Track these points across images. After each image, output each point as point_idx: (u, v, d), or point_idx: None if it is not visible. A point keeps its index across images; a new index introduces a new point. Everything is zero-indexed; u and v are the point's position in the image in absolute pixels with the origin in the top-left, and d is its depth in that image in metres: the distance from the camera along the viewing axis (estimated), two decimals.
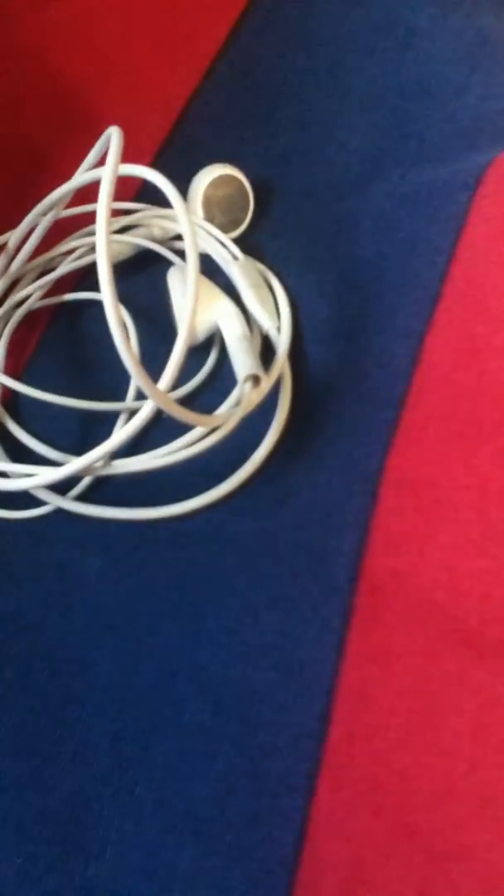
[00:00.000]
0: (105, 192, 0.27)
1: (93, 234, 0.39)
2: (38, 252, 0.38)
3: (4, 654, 0.30)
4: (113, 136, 0.29)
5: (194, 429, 0.33)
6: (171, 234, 0.40)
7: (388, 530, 0.30)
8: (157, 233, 0.39)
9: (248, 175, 0.39)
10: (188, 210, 0.30)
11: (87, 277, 0.40)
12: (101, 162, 0.33)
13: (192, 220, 0.35)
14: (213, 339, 0.37)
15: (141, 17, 0.45)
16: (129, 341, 0.26)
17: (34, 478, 0.29)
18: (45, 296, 0.39)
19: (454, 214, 0.36)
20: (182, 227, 0.29)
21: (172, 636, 0.29)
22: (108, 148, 0.32)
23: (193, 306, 0.29)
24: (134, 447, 0.34)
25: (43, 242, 0.37)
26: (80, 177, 0.32)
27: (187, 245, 0.29)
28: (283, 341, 0.34)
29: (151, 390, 0.27)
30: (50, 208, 0.35)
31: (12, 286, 0.38)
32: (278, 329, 0.35)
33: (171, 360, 0.28)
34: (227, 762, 0.27)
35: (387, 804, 0.26)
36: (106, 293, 0.26)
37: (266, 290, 0.36)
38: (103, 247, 0.26)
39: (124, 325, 0.26)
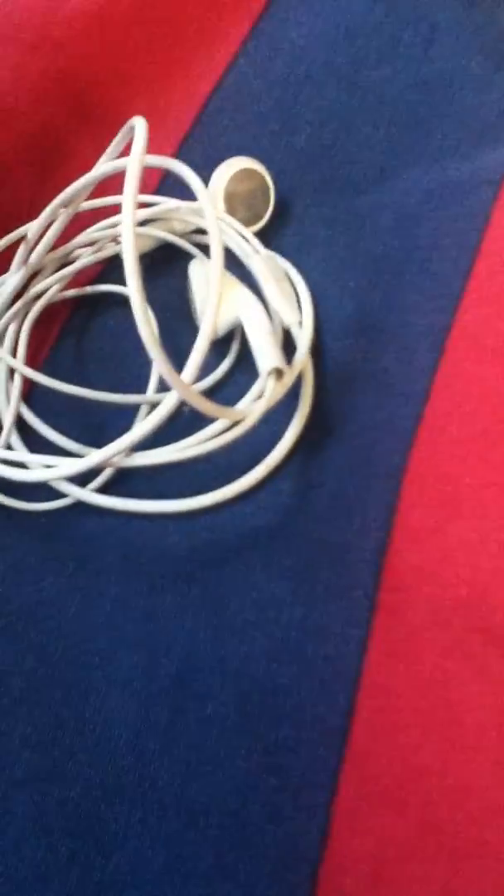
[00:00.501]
0: (131, 181, 0.26)
1: (113, 226, 0.39)
2: (57, 244, 0.38)
3: (26, 645, 0.30)
4: (138, 126, 0.29)
5: (215, 422, 0.33)
6: (192, 227, 0.39)
7: (410, 526, 0.30)
8: (177, 226, 0.39)
9: (269, 169, 0.39)
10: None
11: (106, 270, 0.40)
12: (122, 153, 0.33)
13: (216, 214, 0.35)
14: (234, 334, 0.37)
15: (162, 11, 0.45)
16: (155, 334, 0.26)
17: (55, 469, 0.29)
18: (65, 288, 0.39)
19: (478, 211, 0.35)
20: (207, 222, 0.29)
21: (194, 630, 0.29)
22: (130, 139, 0.32)
23: (217, 300, 0.28)
24: (154, 440, 0.34)
25: (63, 234, 0.37)
26: (102, 167, 0.32)
27: (212, 239, 0.29)
28: (305, 336, 0.34)
29: (176, 382, 0.27)
30: (70, 200, 0.35)
31: (32, 278, 0.38)
32: (300, 324, 0.35)
33: (194, 352, 0.28)
34: (250, 757, 0.27)
35: (410, 801, 0.25)
36: (132, 285, 0.26)
37: (287, 284, 0.36)
38: (129, 238, 0.26)
39: (151, 318, 0.26)
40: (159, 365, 0.26)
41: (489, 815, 0.25)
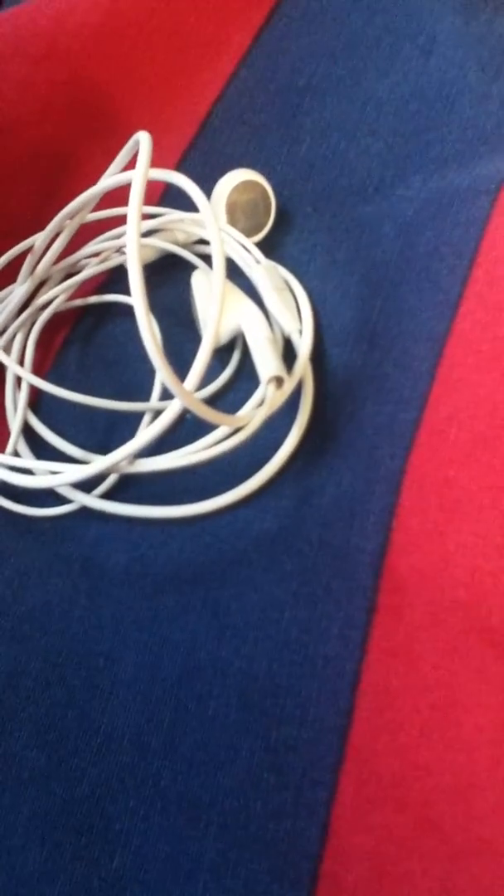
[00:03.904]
0: (136, 195, 0.27)
1: (117, 237, 0.40)
2: (63, 255, 0.38)
3: (31, 648, 0.30)
4: (142, 141, 0.30)
5: (217, 429, 0.33)
6: (194, 238, 0.40)
7: (410, 530, 0.30)
8: (180, 237, 0.40)
9: (270, 180, 0.40)
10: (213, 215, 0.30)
11: (110, 280, 0.41)
12: (127, 167, 0.34)
13: (218, 225, 0.35)
14: (235, 342, 0.37)
15: (165, 24, 0.46)
16: (159, 343, 0.27)
17: (61, 475, 0.30)
18: (70, 298, 0.40)
19: (476, 219, 0.36)
20: (209, 233, 0.30)
21: (196, 631, 0.30)
22: (135, 153, 0.33)
23: (220, 310, 0.29)
24: (157, 447, 0.34)
25: (68, 245, 0.38)
26: (108, 180, 0.33)
27: (214, 250, 0.29)
28: (305, 343, 0.35)
29: (179, 390, 0.27)
30: (77, 211, 0.36)
31: (38, 288, 0.39)
32: (300, 332, 0.35)
33: (197, 361, 0.28)
34: (252, 756, 0.27)
35: (409, 799, 0.26)
36: (137, 295, 0.26)
37: (288, 293, 0.37)
38: (134, 250, 0.26)
39: (154, 328, 0.27)
40: (163, 374, 0.27)
41: (487, 813, 0.26)
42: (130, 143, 0.33)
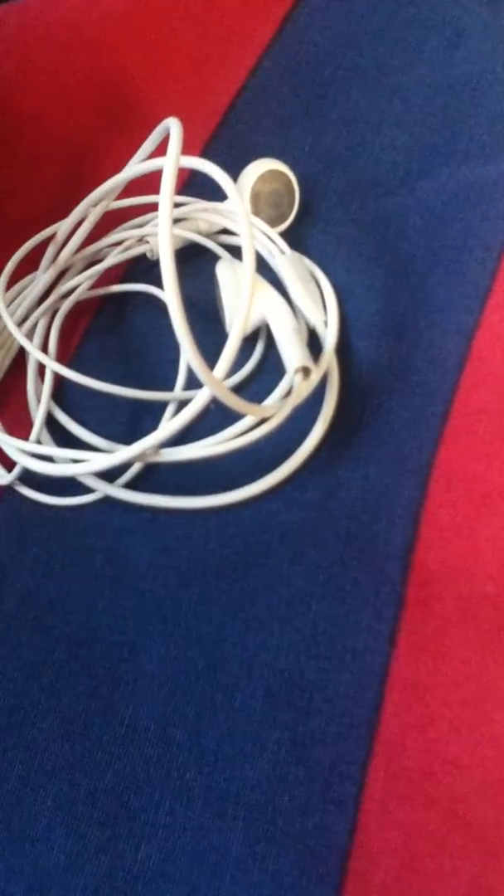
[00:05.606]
0: (168, 181, 0.27)
1: (139, 225, 0.40)
2: (86, 243, 0.38)
3: (55, 637, 0.30)
4: (173, 127, 0.29)
5: (242, 419, 0.33)
6: (217, 227, 0.40)
7: (438, 524, 0.30)
8: (202, 226, 0.40)
9: (294, 170, 0.39)
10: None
11: (132, 269, 0.40)
12: (153, 154, 0.34)
13: (249, 216, 0.35)
14: (259, 333, 0.37)
15: (190, 13, 0.45)
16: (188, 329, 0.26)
17: (86, 463, 0.30)
18: (92, 287, 0.39)
19: (503, 212, 0.36)
20: (240, 226, 0.30)
21: (222, 623, 0.29)
22: (162, 140, 0.33)
23: (249, 302, 0.29)
24: (180, 437, 0.34)
25: (90, 233, 0.37)
26: (137, 167, 0.32)
27: (244, 243, 0.29)
28: (330, 334, 0.34)
29: (209, 378, 0.27)
30: (101, 198, 0.35)
31: (60, 276, 0.38)
32: (325, 323, 0.35)
33: (226, 349, 0.28)
34: (278, 749, 0.27)
35: (439, 794, 0.26)
36: (168, 281, 0.26)
37: (313, 284, 0.36)
38: (166, 238, 0.26)
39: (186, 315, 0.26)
40: (193, 361, 0.26)
41: None
42: (158, 130, 0.32)
